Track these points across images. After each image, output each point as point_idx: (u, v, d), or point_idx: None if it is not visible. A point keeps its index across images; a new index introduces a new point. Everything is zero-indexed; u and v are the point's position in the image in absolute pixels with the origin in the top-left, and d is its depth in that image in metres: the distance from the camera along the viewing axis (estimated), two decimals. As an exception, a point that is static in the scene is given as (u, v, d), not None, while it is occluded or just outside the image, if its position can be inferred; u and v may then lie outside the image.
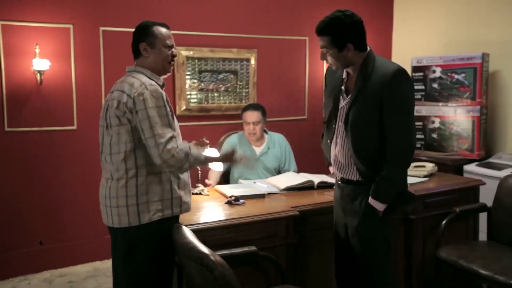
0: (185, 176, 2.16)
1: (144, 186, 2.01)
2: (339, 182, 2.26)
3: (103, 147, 2.09)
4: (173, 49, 2.19)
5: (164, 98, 2.02)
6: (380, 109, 2.05)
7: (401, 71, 2.06)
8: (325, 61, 2.22)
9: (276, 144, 3.47)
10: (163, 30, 2.16)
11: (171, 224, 2.07)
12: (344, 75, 2.21)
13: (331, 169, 2.36)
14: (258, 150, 3.44)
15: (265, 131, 3.51)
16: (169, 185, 2.07)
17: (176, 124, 2.12)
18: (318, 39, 2.12)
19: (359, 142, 2.12)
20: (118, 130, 2.01)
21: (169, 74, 2.24)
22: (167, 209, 2.06)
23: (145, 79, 2.05)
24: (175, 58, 2.24)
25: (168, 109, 2.02)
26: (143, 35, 2.14)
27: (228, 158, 2.31)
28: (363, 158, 2.11)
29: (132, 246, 2.05)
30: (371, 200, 2.09)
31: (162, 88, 2.12)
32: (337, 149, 2.22)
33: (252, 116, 3.36)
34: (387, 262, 2.19)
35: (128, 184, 2.01)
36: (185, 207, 2.13)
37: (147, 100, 1.96)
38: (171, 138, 1.97)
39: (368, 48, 2.14)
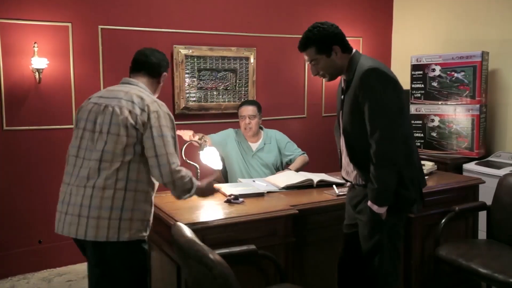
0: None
1: (131, 201, 1.94)
2: (353, 183, 2.26)
3: (80, 151, 2.02)
4: None
5: (173, 120, 2.06)
6: (359, 112, 2.04)
7: (371, 69, 2.01)
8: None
9: (272, 140, 3.50)
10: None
11: (144, 246, 2.03)
12: (343, 84, 2.23)
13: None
14: (254, 146, 3.46)
15: (261, 128, 3.53)
16: (150, 207, 2.04)
17: None
18: (303, 55, 2.16)
19: (352, 147, 2.14)
20: (118, 139, 1.93)
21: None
22: (144, 231, 2.01)
23: (153, 96, 2.09)
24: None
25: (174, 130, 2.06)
26: (167, 66, 2.27)
27: (208, 190, 2.27)
28: (359, 162, 2.12)
29: (108, 264, 1.96)
30: (369, 203, 2.08)
31: None
32: (343, 156, 2.26)
33: (247, 109, 3.41)
34: (390, 263, 2.18)
35: (115, 195, 1.91)
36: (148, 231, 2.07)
37: (161, 118, 1.97)
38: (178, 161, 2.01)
39: (354, 50, 2.16)
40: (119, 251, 1.94)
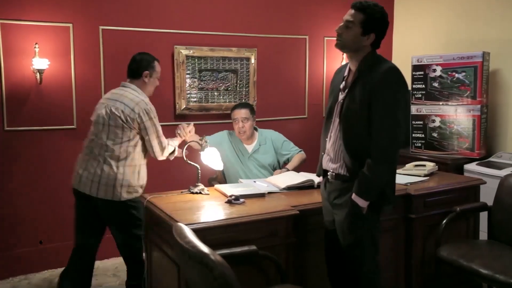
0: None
1: (140, 173, 2.79)
2: (328, 177, 2.28)
3: (91, 135, 2.79)
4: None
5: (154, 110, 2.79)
6: (370, 105, 2.08)
7: (392, 69, 2.09)
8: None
9: (268, 140, 3.48)
10: (159, 66, 2.92)
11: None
12: (346, 72, 2.26)
13: (320, 179, 2.41)
14: (249, 148, 3.45)
15: (255, 129, 3.52)
16: (138, 177, 2.80)
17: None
18: (349, 12, 2.16)
19: (349, 136, 2.16)
20: (117, 129, 2.71)
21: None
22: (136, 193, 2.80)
23: (141, 96, 2.78)
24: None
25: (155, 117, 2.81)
26: (148, 65, 2.87)
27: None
28: (352, 153, 2.14)
29: (123, 215, 2.76)
30: (354, 196, 2.10)
31: None
32: (330, 143, 2.27)
33: (240, 113, 3.36)
34: (371, 257, 2.21)
35: (134, 170, 2.74)
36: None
37: (150, 112, 2.74)
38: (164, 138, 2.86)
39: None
40: (133, 206, 2.76)
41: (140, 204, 2.73)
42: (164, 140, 2.83)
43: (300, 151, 3.49)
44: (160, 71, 2.95)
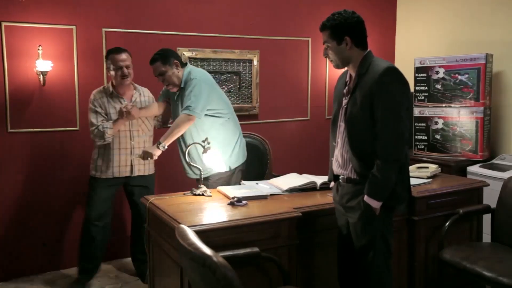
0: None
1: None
2: (340, 181, 2.29)
3: None
4: (122, 69, 3.17)
5: (93, 101, 3.25)
6: (371, 107, 2.09)
7: (390, 68, 2.11)
8: (327, 59, 2.32)
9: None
10: (111, 57, 3.19)
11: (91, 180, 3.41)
12: (347, 78, 2.29)
13: (332, 184, 2.42)
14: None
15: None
16: (99, 156, 3.34)
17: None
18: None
19: (355, 139, 2.17)
20: None
21: (123, 84, 3.26)
22: (93, 170, 3.37)
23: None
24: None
25: (93, 107, 3.23)
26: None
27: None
28: (359, 155, 2.15)
29: None
30: (366, 198, 2.12)
31: (109, 95, 3.28)
32: (337, 148, 2.29)
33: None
34: (383, 260, 2.21)
35: None
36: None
37: (89, 102, 3.30)
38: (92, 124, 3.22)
39: (368, 49, 2.23)
40: None
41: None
42: (91, 124, 3.19)
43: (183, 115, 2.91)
44: (111, 61, 3.17)
